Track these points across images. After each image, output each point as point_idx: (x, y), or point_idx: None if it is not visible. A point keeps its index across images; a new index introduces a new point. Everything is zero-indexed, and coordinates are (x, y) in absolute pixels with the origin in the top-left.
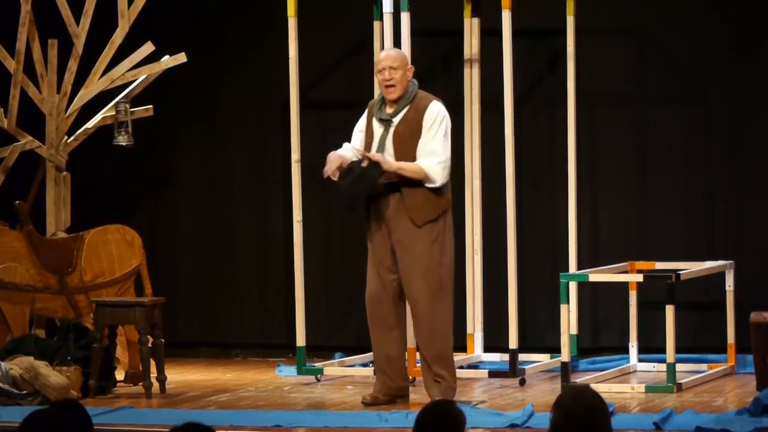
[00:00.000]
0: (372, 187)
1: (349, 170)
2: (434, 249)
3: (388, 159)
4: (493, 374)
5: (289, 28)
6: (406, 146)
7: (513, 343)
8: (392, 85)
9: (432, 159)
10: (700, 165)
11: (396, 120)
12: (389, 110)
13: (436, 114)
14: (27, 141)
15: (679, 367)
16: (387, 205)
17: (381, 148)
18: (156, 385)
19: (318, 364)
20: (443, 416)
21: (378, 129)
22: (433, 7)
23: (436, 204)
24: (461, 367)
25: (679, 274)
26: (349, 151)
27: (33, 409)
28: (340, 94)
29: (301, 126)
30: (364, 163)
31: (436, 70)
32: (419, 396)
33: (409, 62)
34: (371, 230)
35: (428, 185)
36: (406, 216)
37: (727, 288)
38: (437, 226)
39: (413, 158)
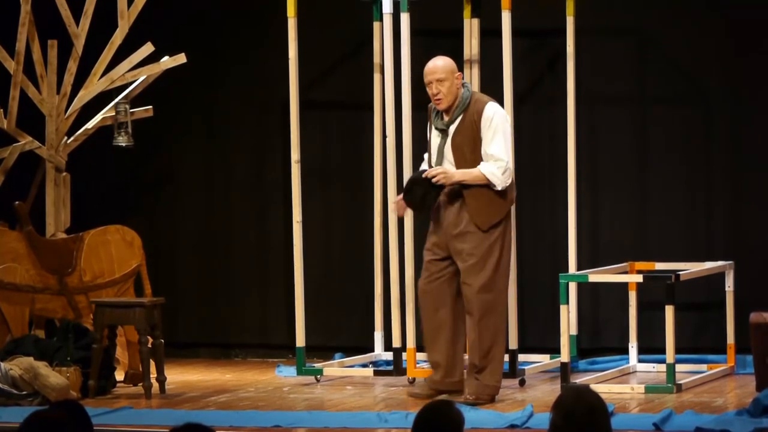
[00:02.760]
0: (436, 200)
1: (413, 184)
2: (494, 252)
3: (449, 172)
4: None
5: (289, 28)
6: (465, 154)
7: (513, 343)
8: (440, 99)
9: (492, 164)
10: (700, 165)
11: (452, 129)
12: (446, 118)
13: (492, 116)
14: (27, 142)
15: (679, 367)
16: (448, 210)
17: (440, 157)
18: (156, 385)
19: (318, 365)
20: (441, 417)
21: (435, 138)
22: (432, 8)
23: (500, 206)
24: None
25: (679, 274)
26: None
27: (33, 410)
28: (340, 94)
29: (301, 126)
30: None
31: None
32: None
33: (456, 69)
34: (431, 231)
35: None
36: (470, 221)
37: (726, 288)
38: (499, 228)
39: (472, 165)
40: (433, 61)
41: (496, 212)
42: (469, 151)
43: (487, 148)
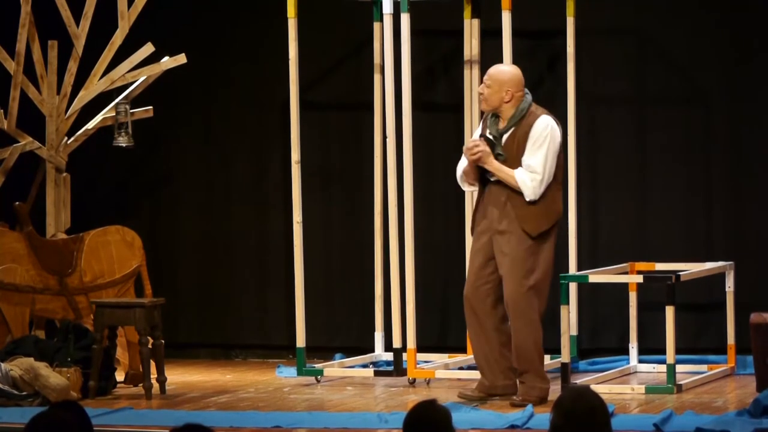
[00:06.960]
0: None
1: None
2: (529, 256)
3: (488, 156)
4: None
5: (289, 28)
6: (513, 162)
7: None
8: (481, 99)
9: (528, 174)
10: (700, 165)
11: (505, 137)
12: (501, 125)
13: (542, 129)
14: (27, 142)
15: (679, 368)
16: (494, 210)
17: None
18: (156, 386)
19: (318, 365)
20: (427, 417)
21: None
22: (433, 9)
23: (549, 214)
24: (461, 368)
25: (679, 275)
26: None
27: (33, 410)
28: (340, 95)
29: (301, 126)
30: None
31: (436, 71)
32: (416, 397)
33: (514, 85)
34: (478, 229)
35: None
36: (516, 224)
37: (727, 289)
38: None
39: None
40: (498, 65)
41: (545, 220)
42: (512, 163)
43: (527, 158)
